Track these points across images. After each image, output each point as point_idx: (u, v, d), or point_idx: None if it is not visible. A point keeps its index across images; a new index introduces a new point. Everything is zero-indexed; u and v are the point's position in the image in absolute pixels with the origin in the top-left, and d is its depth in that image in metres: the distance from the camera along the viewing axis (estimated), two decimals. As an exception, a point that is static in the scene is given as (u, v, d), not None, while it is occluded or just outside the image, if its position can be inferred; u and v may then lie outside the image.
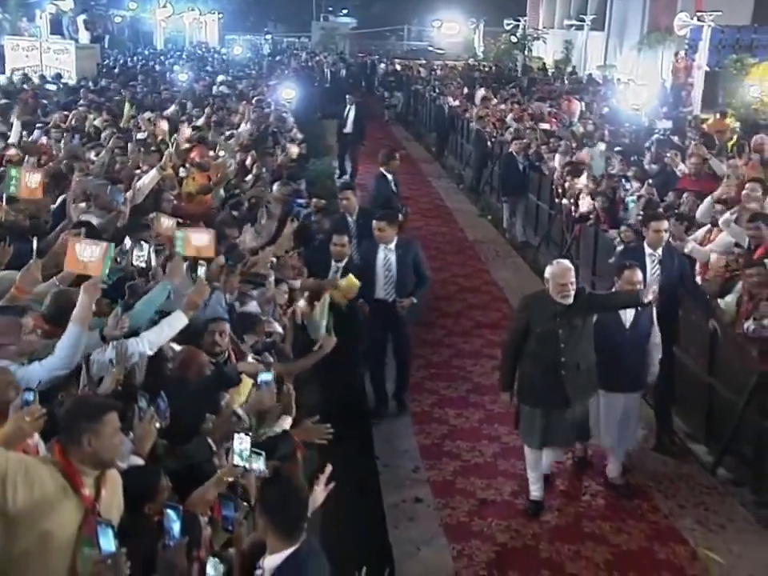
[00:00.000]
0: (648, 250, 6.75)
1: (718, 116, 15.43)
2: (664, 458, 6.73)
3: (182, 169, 9.12)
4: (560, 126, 16.08)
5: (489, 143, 16.06)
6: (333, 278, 7.00)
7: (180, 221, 6.61)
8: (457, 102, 20.92)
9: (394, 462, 6.64)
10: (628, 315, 6.01)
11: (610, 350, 5.86)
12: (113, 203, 6.91)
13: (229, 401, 4.57)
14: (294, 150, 11.57)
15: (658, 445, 6.85)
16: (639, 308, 5.92)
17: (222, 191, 8.78)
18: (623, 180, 10.18)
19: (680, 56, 20.96)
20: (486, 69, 31.27)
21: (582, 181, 10.59)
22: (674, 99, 19.98)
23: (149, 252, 5.23)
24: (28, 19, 26.74)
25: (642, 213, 8.96)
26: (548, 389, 5.64)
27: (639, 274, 5.99)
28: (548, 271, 5.69)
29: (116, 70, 23.57)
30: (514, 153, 13.12)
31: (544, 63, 31.57)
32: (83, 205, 7.22)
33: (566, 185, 10.92)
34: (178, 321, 4.55)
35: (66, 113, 12.89)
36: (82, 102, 14.74)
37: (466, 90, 23.08)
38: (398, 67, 32.43)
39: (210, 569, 3.16)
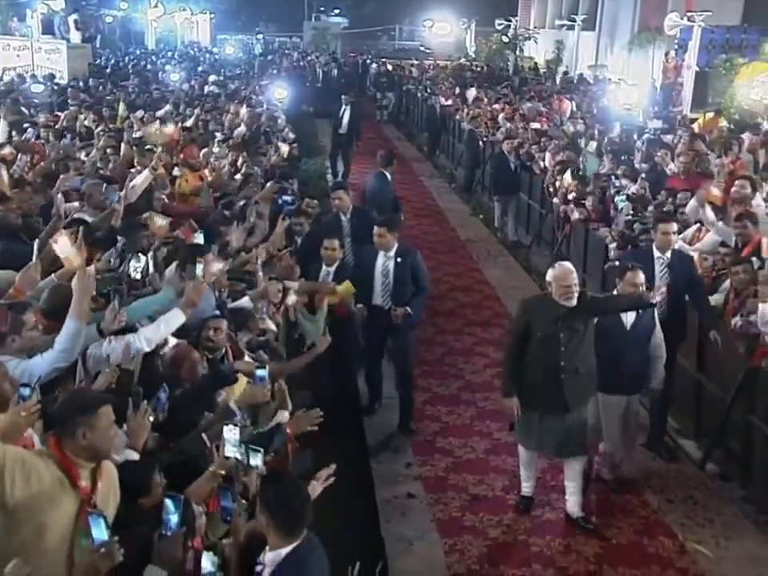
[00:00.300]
0: (656, 253, 6.68)
1: (712, 114, 15.52)
2: (653, 454, 6.79)
3: (175, 169, 9.15)
4: (551, 125, 16.16)
5: (481, 143, 16.13)
6: (329, 282, 6.89)
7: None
8: (449, 102, 20.98)
9: (386, 458, 6.70)
10: (629, 316, 5.96)
11: (611, 352, 5.79)
12: (106, 202, 6.94)
13: (225, 398, 4.61)
14: (285, 149, 11.60)
15: (649, 443, 6.86)
16: (642, 310, 5.87)
17: (209, 191, 8.79)
18: (613, 178, 10.27)
19: (670, 56, 21.07)
20: (478, 69, 31.34)
21: (567, 178, 10.62)
22: (664, 99, 20.08)
23: (146, 263, 5.26)
24: (19, 19, 26.66)
25: (632, 212, 9.08)
26: (547, 392, 5.57)
27: (641, 276, 5.89)
28: (550, 274, 5.63)
29: (107, 70, 23.55)
30: (506, 152, 13.20)
31: (535, 63, 31.66)
32: (76, 204, 7.26)
33: (557, 184, 11.00)
34: (176, 318, 4.60)
35: (57, 113, 12.94)
36: (71, 101, 14.76)
37: (457, 90, 23.14)
38: (390, 67, 32.49)
39: (206, 562, 3.19)
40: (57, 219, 6.48)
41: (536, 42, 32.08)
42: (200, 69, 25.69)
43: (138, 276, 5.19)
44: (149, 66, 25.65)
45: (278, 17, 50.68)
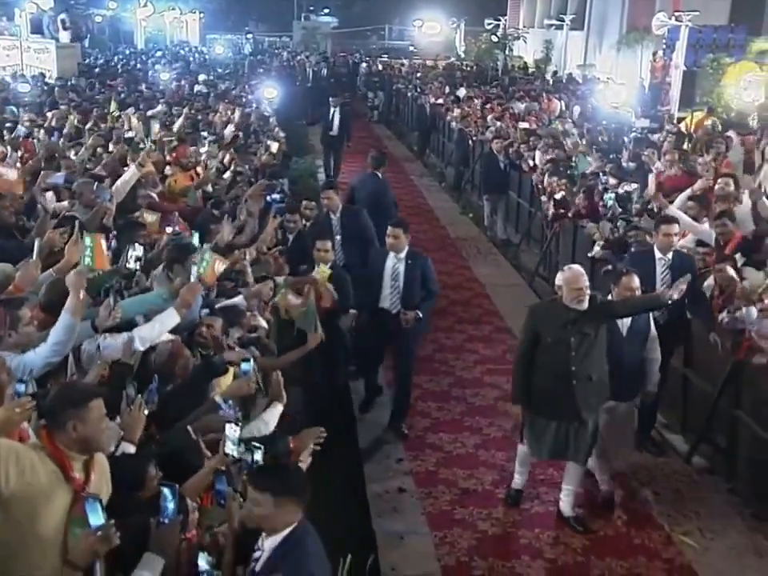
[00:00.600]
0: (658, 254, 6.68)
1: (702, 113, 15.65)
2: (641, 448, 6.86)
3: (167, 167, 9.19)
4: (540, 124, 16.26)
5: (470, 142, 16.21)
6: (310, 276, 6.81)
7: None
8: (440, 101, 21.04)
9: (377, 453, 6.77)
10: (625, 321, 5.89)
11: (608, 358, 5.67)
12: (96, 200, 6.98)
13: (217, 392, 4.66)
14: (275, 146, 11.64)
15: (637, 439, 6.90)
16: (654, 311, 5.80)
17: (196, 191, 8.82)
18: (601, 174, 10.38)
19: (658, 55, 21.22)
20: (468, 68, 31.44)
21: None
22: (652, 98, 20.23)
23: (143, 253, 5.30)
24: (7, 18, 26.58)
25: (620, 210, 9.18)
26: (558, 399, 5.48)
27: (637, 280, 5.82)
28: (560, 278, 5.54)
29: (97, 70, 23.52)
30: (495, 151, 13.28)
31: (525, 62, 31.79)
32: (66, 203, 7.30)
33: (545, 182, 11.09)
34: (171, 318, 4.66)
35: (47, 113, 12.96)
36: (60, 101, 14.77)
37: (447, 90, 23.21)
38: (380, 66, 32.54)
39: (201, 563, 3.22)
40: (45, 216, 6.50)
41: (525, 42, 32.18)
42: (191, 68, 25.69)
43: (137, 266, 5.22)
44: (138, 66, 25.62)
45: (267, 16, 50.64)
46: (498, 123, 16.05)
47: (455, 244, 13.16)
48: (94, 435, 3.26)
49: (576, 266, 5.66)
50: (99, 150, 9.64)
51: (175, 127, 12.14)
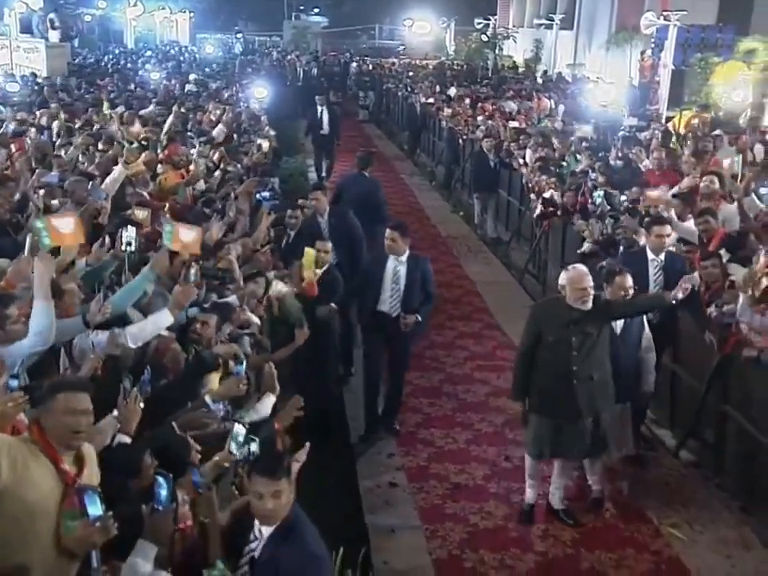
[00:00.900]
0: (650, 255, 6.68)
1: (692, 110, 15.75)
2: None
3: (159, 166, 9.22)
4: (529, 123, 16.34)
5: (460, 141, 16.27)
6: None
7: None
8: (431, 100, 21.09)
9: (369, 449, 6.82)
10: (619, 321, 5.90)
11: None
12: (89, 198, 7.00)
13: (207, 392, 4.69)
14: (265, 144, 11.67)
15: (636, 441, 6.91)
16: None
17: (185, 188, 8.84)
18: (590, 171, 10.46)
19: (646, 55, 21.32)
20: (458, 67, 31.53)
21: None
22: (641, 97, 20.33)
23: (136, 233, 5.35)
24: (-3, 17, 26.52)
25: (608, 207, 9.25)
26: (560, 399, 5.45)
27: (630, 280, 5.79)
28: (563, 277, 5.48)
29: (87, 70, 23.48)
30: (485, 150, 13.35)
31: (514, 62, 31.89)
32: (56, 202, 7.32)
33: (534, 180, 11.17)
34: (163, 319, 4.71)
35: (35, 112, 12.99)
36: (49, 100, 14.76)
37: (437, 89, 23.28)
38: (370, 66, 32.59)
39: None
40: (37, 213, 6.53)
41: (515, 41, 32.27)
42: (182, 67, 25.67)
43: (132, 247, 5.26)
44: (129, 65, 25.59)
45: (257, 16, 50.60)
46: (490, 122, 16.11)
47: (446, 242, 13.24)
48: (56, 428, 3.21)
49: (580, 266, 5.59)
50: (91, 148, 9.65)
51: (165, 126, 12.16)
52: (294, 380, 6.28)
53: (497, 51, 31.74)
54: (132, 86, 18.55)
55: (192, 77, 21.27)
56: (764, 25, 20.20)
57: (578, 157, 11.94)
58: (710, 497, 6.28)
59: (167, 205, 7.80)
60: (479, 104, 19.26)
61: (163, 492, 3.22)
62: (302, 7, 50.15)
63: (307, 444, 4.20)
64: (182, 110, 13.88)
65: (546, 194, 10.54)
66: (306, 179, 15.81)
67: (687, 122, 15.09)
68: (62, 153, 9.70)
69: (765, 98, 17.47)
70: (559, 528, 5.77)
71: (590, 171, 10.58)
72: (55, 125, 11.85)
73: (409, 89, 24.11)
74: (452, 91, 21.92)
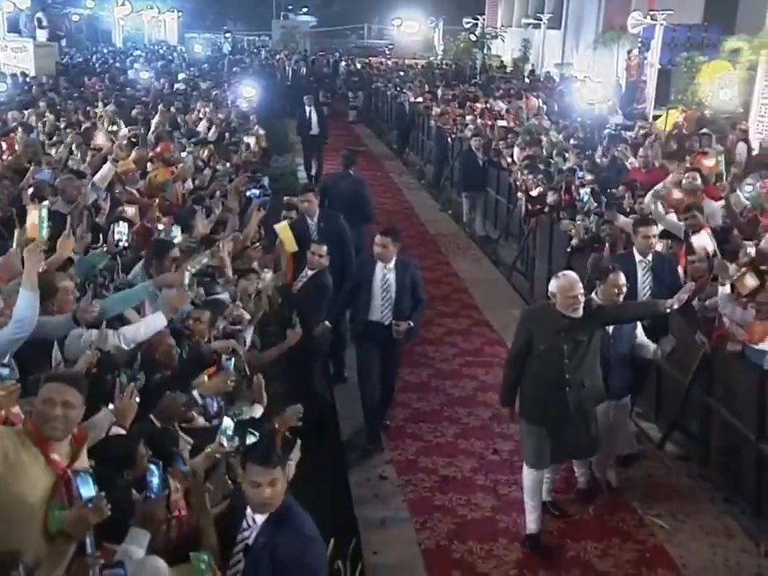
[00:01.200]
0: (638, 257, 6.62)
1: (679, 109, 15.88)
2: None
3: (149, 164, 9.27)
4: (517, 122, 16.44)
5: (449, 140, 16.36)
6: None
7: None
8: (420, 99, 21.17)
9: (359, 443, 6.90)
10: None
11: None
12: (78, 196, 7.04)
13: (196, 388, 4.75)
14: (253, 141, 11.71)
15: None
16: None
17: (173, 185, 8.89)
18: (578, 169, 10.57)
19: (633, 54, 21.46)
20: (446, 67, 31.62)
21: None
22: (628, 96, 20.48)
23: (128, 229, 5.41)
24: (-16, 17, 26.42)
25: (594, 204, 9.36)
26: (552, 407, 5.40)
27: (623, 277, 5.70)
28: (554, 285, 5.36)
29: (75, 69, 23.46)
30: (474, 149, 13.44)
31: (502, 61, 32.01)
32: (46, 202, 7.37)
33: (521, 179, 11.27)
34: (157, 321, 4.79)
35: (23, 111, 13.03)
36: (37, 99, 14.78)
37: (426, 88, 23.35)
38: (359, 66, 32.63)
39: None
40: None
41: (503, 41, 32.34)
42: (172, 67, 25.68)
43: (124, 243, 5.32)
44: (117, 65, 25.57)
45: (246, 15, 50.54)
46: (479, 120, 16.20)
47: (435, 240, 13.33)
48: (36, 416, 3.28)
49: (571, 273, 5.50)
50: (83, 147, 9.71)
51: (152, 125, 12.21)
52: (285, 379, 6.38)
53: (485, 51, 31.85)
54: (120, 86, 18.53)
55: (181, 76, 21.28)
56: (749, 24, 20.34)
57: (566, 155, 12.06)
58: (694, 488, 6.40)
59: (156, 201, 7.86)
60: (467, 103, 19.33)
61: (155, 480, 3.29)
62: (290, 7, 50.15)
63: (299, 441, 4.28)
64: (171, 109, 13.91)
65: (534, 192, 10.64)
66: (297, 178, 15.88)
67: (687, 119, 15.22)
68: (52, 152, 9.74)
69: (749, 96, 17.64)
70: (546, 519, 5.86)
71: (577, 169, 10.69)
72: (42, 124, 11.89)
73: (398, 88, 24.17)
74: (440, 92, 21.98)
